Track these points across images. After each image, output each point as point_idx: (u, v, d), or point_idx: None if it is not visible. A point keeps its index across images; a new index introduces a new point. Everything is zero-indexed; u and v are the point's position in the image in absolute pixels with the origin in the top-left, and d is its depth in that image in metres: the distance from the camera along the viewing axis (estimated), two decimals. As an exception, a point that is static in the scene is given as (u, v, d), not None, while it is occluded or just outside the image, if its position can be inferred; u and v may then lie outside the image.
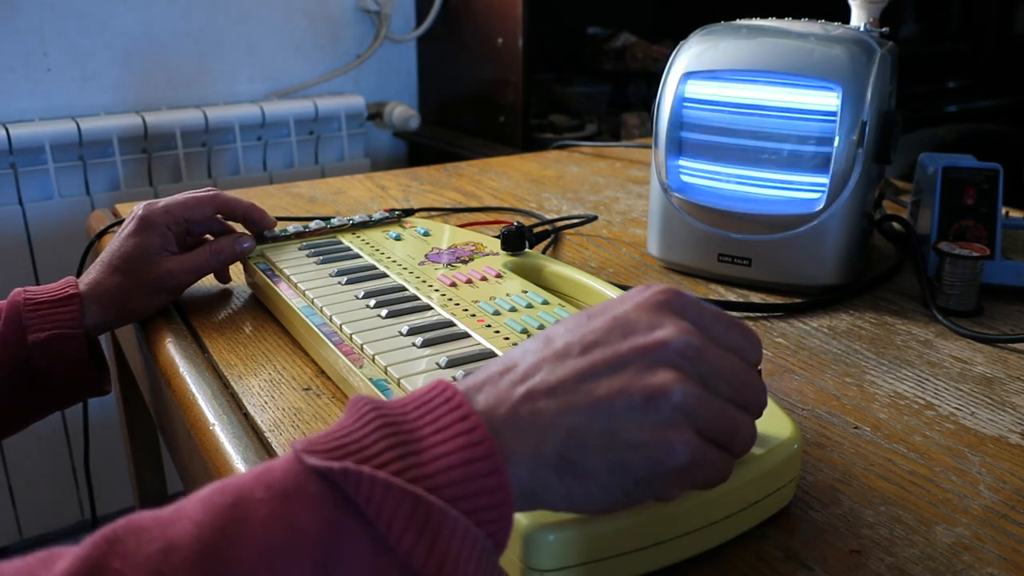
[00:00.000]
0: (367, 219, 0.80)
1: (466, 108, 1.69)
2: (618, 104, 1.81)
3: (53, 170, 1.41)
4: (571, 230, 0.93)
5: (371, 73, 1.76)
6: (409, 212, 0.83)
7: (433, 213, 0.98)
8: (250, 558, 0.29)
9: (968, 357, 0.64)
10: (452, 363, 0.52)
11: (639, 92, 1.82)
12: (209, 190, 0.72)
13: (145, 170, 1.52)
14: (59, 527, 1.59)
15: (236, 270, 0.77)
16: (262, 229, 0.74)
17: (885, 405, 0.57)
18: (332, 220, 0.79)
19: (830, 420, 0.55)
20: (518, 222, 0.74)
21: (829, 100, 0.71)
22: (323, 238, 0.77)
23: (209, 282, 0.76)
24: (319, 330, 0.59)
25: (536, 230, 0.81)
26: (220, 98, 1.60)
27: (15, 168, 1.41)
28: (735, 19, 0.81)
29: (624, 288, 0.63)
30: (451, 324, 0.58)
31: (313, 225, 0.78)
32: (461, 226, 0.86)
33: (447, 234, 0.76)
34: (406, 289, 0.64)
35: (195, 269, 0.69)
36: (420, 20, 1.73)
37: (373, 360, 0.53)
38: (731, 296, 0.76)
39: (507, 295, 0.62)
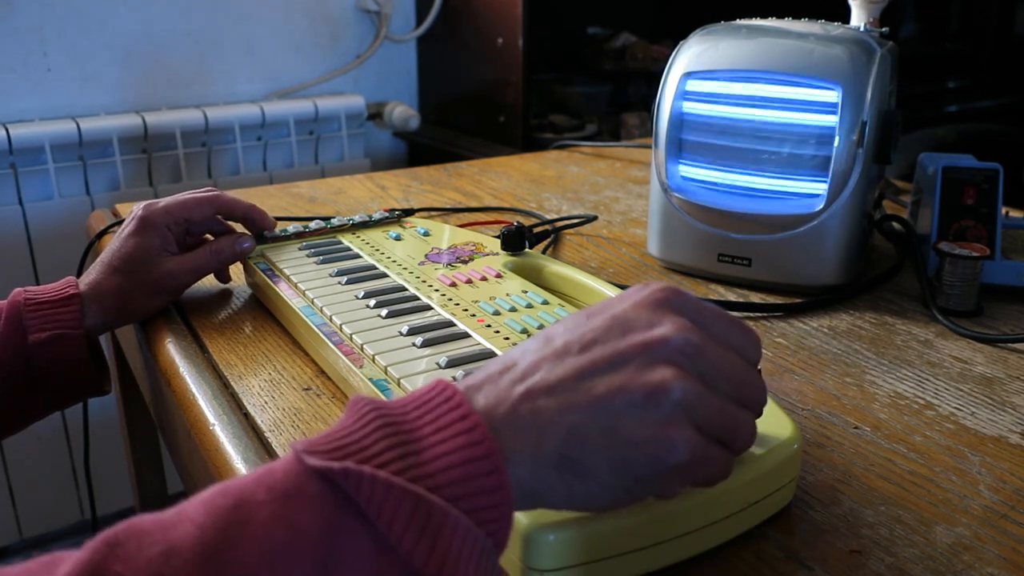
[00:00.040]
0: (367, 219, 0.80)
1: (466, 108, 1.69)
2: (618, 104, 1.81)
3: (53, 170, 1.41)
4: (571, 230, 0.93)
5: (371, 73, 1.76)
6: (409, 212, 0.83)
7: (433, 213, 0.98)
8: (252, 560, 0.29)
9: (968, 357, 0.64)
10: (452, 363, 0.52)
11: (639, 92, 1.82)
12: (209, 190, 0.72)
13: (145, 170, 1.52)
14: (59, 527, 1.59)
15: (236, 270, 0.77)
16: (262, 230, 0.74)
17: (885, 405, 0.57)
18: (332, 220, 0.79)
19: (830, 420, 0.55)
20: (518, 222, 0.74)
21: (829, 100, 0.71)
22: (323, 238, 0.77)
23: (209, 282, 0.76)
24: (319, 330, 0.59)
25: (536, 230, 0.81)
26: (220, 98, 1.60)
27: (15, 168, 1.41)
28: (735, 19, 0.81)
29: (624, 288, 0.63)
30: (451, 324, 0.58)
31: (313, 225, 0.78)
32: (461, 226, 0.86)
33: (447, 234, 0.76)
34: (406, 289, 0.64)
35: (195, 269, 0.69)
36: (420, 20, 1.73)
37: (373, 360, 0.53)
38: (731, 296, 0.76)
39: (507, 295, 0.62)
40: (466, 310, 0.60)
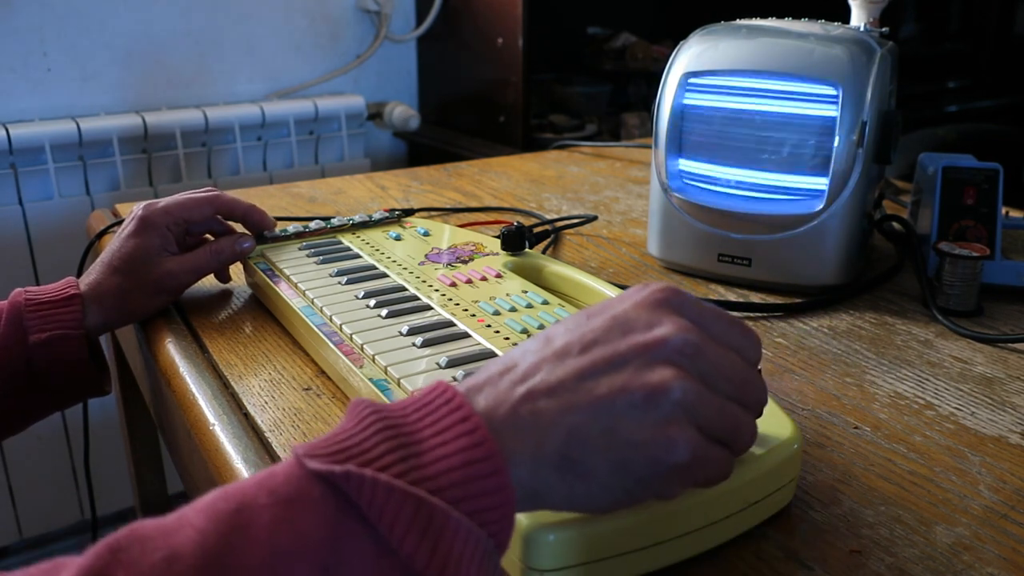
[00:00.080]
0: (367, 219, 0.80)
1: (466, 108, 1.69)
2: (618, 104, 1.81)
3: (53, 170, 1.41)
4: (571, 230, 0.93)
5: (371, 73, 1.76)
6: (409, 212, 0.83)
7: (433, 213, 0.98)
8: (254, 564, 0.29)
9: (968, 357, 0.64)
10: (452, 363, 0.52)
11: (639, 92, 1.82)
12: (209, 190, 0.72)
13: (145, 170, 1.52)
14: (59, 527, 1.59)
15: (236, 270, 0.77)
16: (262, 230, 0.74)
17: (885, 405, 0.57)
18: (332, 220, 0.79)
19: (830, 420, 0.55)
20: (518, 222, 0.74)
21: (829, 100, 0.71)
22: (323, 238, 0.77)
23: (209, 282, 0.76)
24: (319, 330, 0.59)
25: (536, 230, 0.81)
26: (220, 98, 1.60)
27: (15, 168, 1.41)
28: (735, 19, 0.81)
29: (624, 288, 0.63)
30: (451, 324, 0.58)
31: (313, 225, 0.78)
32: (461, 226, 0.86)
33: (447, 234, 0.76)
34: (406, 289, 0.64)
35: (195, 269, 0.69)
36: (420, 20, 1.73)
37: (373, 360, 0.53)
38: (731, 296, 0.76)
39: (507, 295, 0.62)
40: (466, 310, 0.60)
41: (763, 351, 0.51)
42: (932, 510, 0.46)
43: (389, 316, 0.59)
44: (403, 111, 1.71)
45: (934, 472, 0.50)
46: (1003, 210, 0.77)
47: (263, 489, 0.31)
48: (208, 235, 0.74)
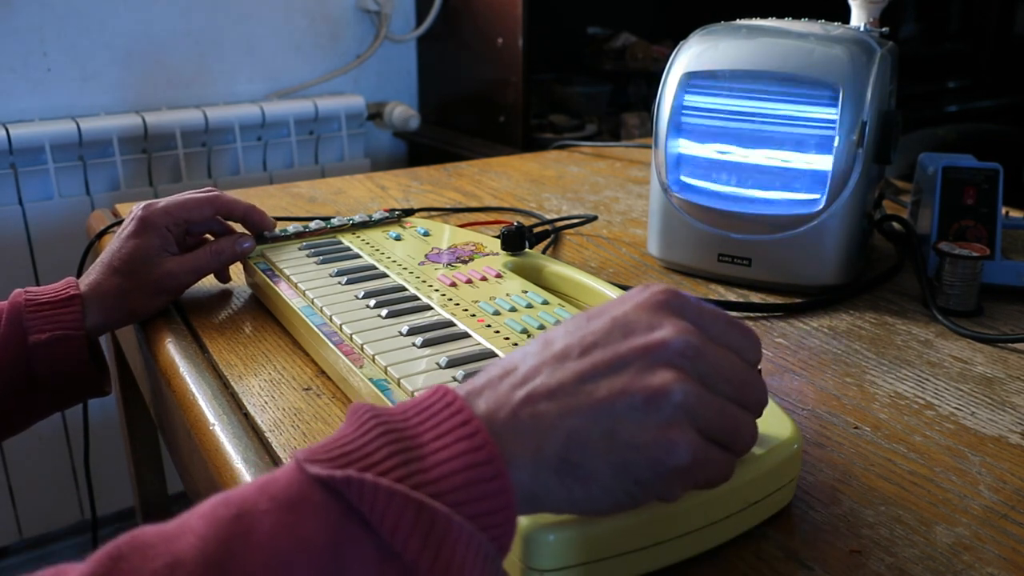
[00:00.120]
0: (367, 219, 0.80)
1: (466, 108, 1.69)
2: (618, 104, 1.81)
3: (53, 170, 1.41)
4: (571, 230, 0.93)
5: (371, 73, 1.76)
6: (409, 212, 0.83)
7: (433, 213, 0.98)
8: (256, 570, 0.29)
9: (968, 357, 0.64)
10: (452, 363, 0.52)
11: (639, 92, 1.82)
12: (209, 190, 0.72)
13: (145, 170, 1.52)
14: (59, 527, 1.59)
15: (236, 270, 0.77)
16: (262, 230, 0.74)
17: (885, 405, 0.57)
18: (332, 220, 0.79)
19: (830, 420, 0.55)
20: (518, 222, 0.74)
21: (829, 100, 0.71)
22: (323, 238, 0.77)
23: (209, 282, 0.76)
24: (319, 330, 0.59)
25: (536, 230, 0.81)
26: (220, 98, 1.60)
27: (15, 168, 1.41)
28: (735, 19, 0.81)
29: (624, 288, 0.63)
30: (451, 324, 0.58)
31: (313, 225, 0.78)
32: (461, 226, 0.86)
33: (447, 234, 0.76)
34: (406, 289, 0.64)
35: (195, 270, 0.69)
36: (420, 20, 1.73)
37: (373, 360, 0.53)
38: (731, 296, 0.76)
39: (507, 295, 0.62)
40: (466, 310, 0.60)
41: (763, 351, 0.51)
42: (932, 510, 0.46)
43: (389, 316, 0.59)
44: (403, 111, 1.71)
45: (934, 472, 0.50)
46: (1003, 210, 0.77)
47: (264, 494, 0.31)
48: (208, 235, 0.74)
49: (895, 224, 0.90)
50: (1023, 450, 0.52)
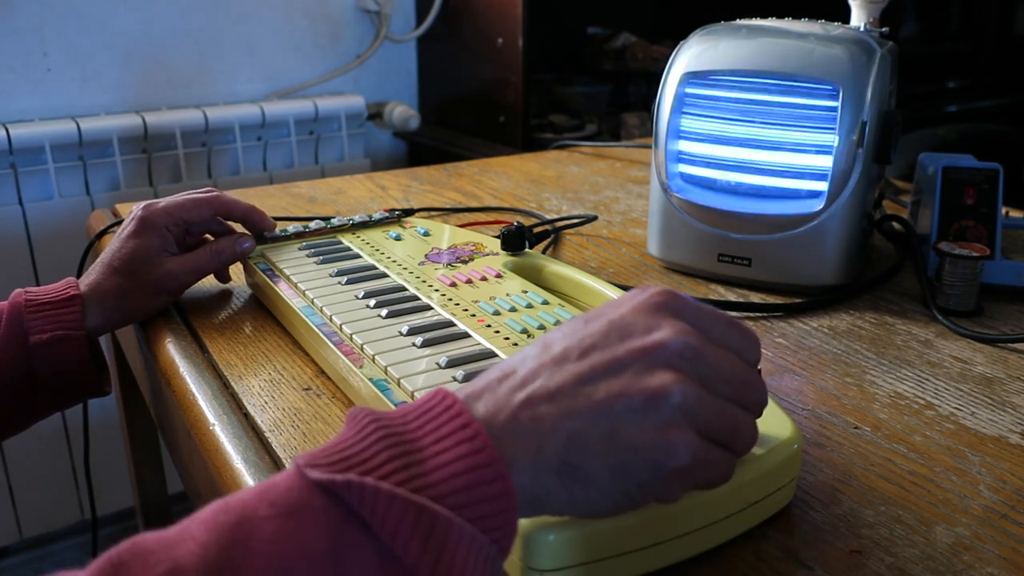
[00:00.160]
0: (367, 219, 0.80)
1: (466, 108, 1.69)
2: (618, 104, 1.81)
3: (53, 170, 1.41)
4: (571, 230, 0.93)
5: (371, 73, 1.76)
6: (409, 212, 0.83)
7: (433, 213, 0.98)
8: None
9: (968, 357, 0.64)
10: (452, 363, 0.52)
11: (639, 92, 1.82)
12: (209, 191, 0.72)
13: (145, 170, 1.52)
14: (59, 527, 1.59)
15: (236, 270, 0.77)
16: (262, 231, 0.74)
17: (885, 405, 0.57)
18: (332, 220, 0.79)
19: (830, 420, 0.55)
20: (518, 222, 0.74)
21: (829, 100, 0.71)
22: (323, 238, 0.77)
23: (209, 282, 0.76)
24: (319, 330, 0.59)
25: (536, 230, 0.81)
26: (220, 98, 1.60)
27: (15, 168, 1.41)
28: (735, 19, 0.81)
29: (624, 288, 0.63)
30: (451, 324, 0.58)
31: (313, 225, 0.78)
32: (461, 226, 0.86)
33: (447, 234, 0.76)
34: (406, 289, 0.64)
35: (195, 270, 0.69)
36: (420, 20, 1.73)
37: (373, 360, 0.53)
38: (731, 296, 0.76)
39: (507, 295, 0.62)
40: (466, 310, 0.60)
41: (763, 351, 0.51)
42: (932, 510, 0.46)
43: (389, 316, 0.59)
44: (403, 111, 1.71)
45: (934, 472, 0.50)
46: (1003, 210, 0.77)
47: (264, 500, 0.31)
48: (208, 235, 0.74)
49: (895, 224, 0.90)
50: (1023, 450, 0.52)
